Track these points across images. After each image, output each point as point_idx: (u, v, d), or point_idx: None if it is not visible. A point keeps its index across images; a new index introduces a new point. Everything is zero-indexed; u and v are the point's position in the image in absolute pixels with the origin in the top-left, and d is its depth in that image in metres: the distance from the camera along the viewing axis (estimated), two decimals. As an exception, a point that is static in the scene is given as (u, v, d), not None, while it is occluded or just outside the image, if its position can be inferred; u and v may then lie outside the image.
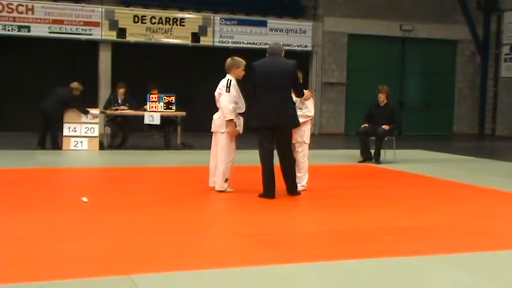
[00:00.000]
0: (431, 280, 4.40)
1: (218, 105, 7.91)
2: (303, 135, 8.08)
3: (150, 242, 5.30)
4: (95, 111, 13.19)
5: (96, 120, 13.08)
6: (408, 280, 4.40)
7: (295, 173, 7.81)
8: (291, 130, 7.70)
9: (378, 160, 11.56)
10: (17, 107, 17.24)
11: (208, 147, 8.19)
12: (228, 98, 7.69)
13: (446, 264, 4.79)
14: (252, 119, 7.55)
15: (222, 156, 7.81)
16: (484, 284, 4.37)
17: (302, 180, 8.06)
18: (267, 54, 7.76)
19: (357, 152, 11.98)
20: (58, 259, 4.68)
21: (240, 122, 7.90)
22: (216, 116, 7.98)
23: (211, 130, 8.04)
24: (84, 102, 13.22)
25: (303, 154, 8.12)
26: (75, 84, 13.03)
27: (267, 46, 8.08)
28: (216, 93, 7.87)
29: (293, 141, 7.95)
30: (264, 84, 7.47)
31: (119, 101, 13.64)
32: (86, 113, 12.92)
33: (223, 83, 7.79)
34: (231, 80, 7.76)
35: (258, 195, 7.51)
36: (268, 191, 7.46)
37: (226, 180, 7.85)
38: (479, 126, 21.91)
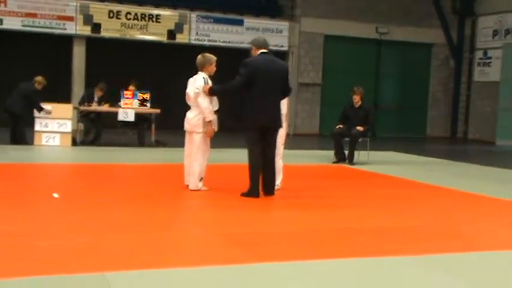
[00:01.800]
0: (404, 280, 4.43)
1: (191, 103, 7.82)
2: None
3: (124, 239, 5.24)
4: (48, 107, 12.67)
5: (71, 116, 12.92)
6: (381, 280, 4.42)
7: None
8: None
9: (351, 161, 11.62)
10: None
11: (183, 145, 8.13)
12: (207, 98, 7.65)
13: (419, 265, 4.82)
14: (247, 118, 7.47)
15: (197, 156, 7.74)
16: (456, 285, 4.41)
17: (276, 179, 8.06)
18: (253, 46, 7.67)
19: (331, 153, 12.03)
20: (29, 256, 4.60)
21: (215, 119, 7.86)
22: (190, 115, 7.85)
23: (186, 129, 7.94)
24: (44, 97, 12.76)
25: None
26: (38, 78, 12.71)
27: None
28: (190, 92, 7.77)
29: None
30: (260, 84, 7.37)
31: (95, 99, 13.50)
32: (40, 109, 12.54)
33: (199, 82, 7.69)
34: (207, 79, 7.71)
35: (240, 194, 7.46)
36: (256, 191, 7.43)
37: (201, 179, 7.80)
38: (452, 130, 22.18)
